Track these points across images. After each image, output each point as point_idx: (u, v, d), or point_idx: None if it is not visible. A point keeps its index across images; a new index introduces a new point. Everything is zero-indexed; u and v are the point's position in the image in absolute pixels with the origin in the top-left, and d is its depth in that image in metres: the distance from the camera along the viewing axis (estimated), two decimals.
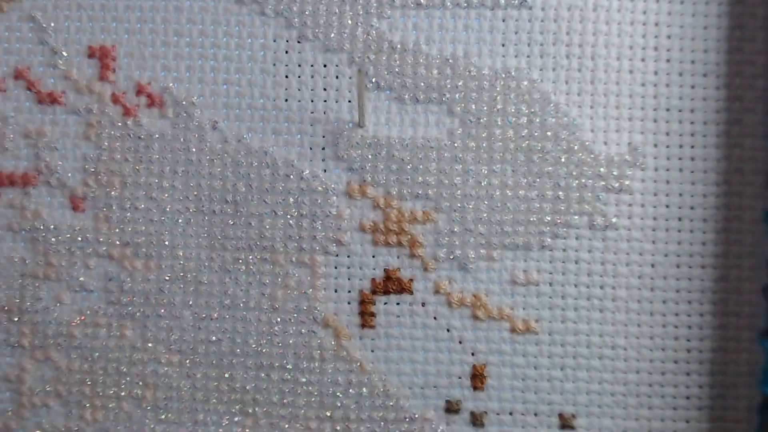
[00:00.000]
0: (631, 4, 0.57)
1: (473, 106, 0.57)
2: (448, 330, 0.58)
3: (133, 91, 0.59)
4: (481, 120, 0.57)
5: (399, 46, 0.58)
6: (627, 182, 0.57)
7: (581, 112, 0.57)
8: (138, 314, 0.59)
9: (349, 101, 0.58)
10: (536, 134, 0.57)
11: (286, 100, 0.58)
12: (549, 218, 0.57)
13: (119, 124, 0.58)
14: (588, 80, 0.57)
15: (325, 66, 0.58)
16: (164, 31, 0.58)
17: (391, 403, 0.59)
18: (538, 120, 0.57)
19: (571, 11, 0.57)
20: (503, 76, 0.57)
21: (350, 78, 0.58)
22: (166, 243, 0.59)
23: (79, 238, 0.59)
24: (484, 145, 0.57)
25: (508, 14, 0.58)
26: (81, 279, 0.59)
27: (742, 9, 0.57)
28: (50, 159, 0.58)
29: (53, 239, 0.59)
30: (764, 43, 0.57)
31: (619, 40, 0.57)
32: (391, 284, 0.58)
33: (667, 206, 0.57)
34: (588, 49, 0.57)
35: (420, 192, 0.58)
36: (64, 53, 0.59)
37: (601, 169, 0.57)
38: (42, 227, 0.59)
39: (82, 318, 0.59)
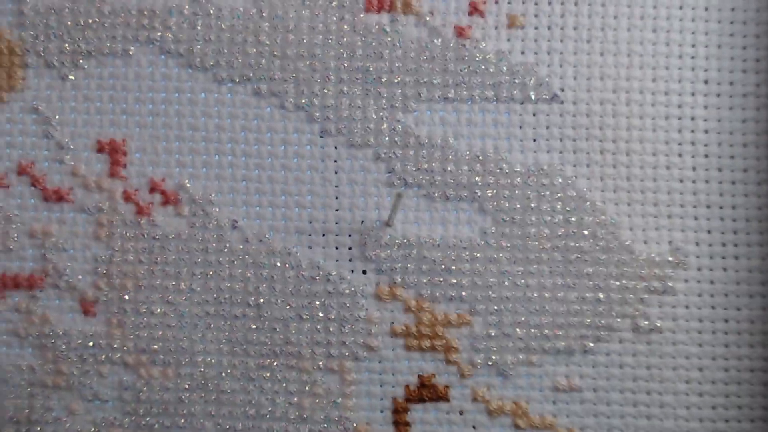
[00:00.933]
0: (665, 98, 0.55)
1: (506, 204, 0.55)
2: None
3: (146, 188, 0.55)
4: (515, 218, 0.55)
5: (426, 141, 0.55)
6: (670, 284, 0.55)
7: (618, 210, 0.55)
8: (156, 426, 0.54)
9: (376, 198, 0.55)
10: (573, 233, 0.55)
11: (309, 198, 0.55)
12: (590, 321, 0.54)
13: (132, 223, 0.55)
14: (624, 177, 0.55)
15: (349, 161, 0.55)
16: (178, 124, 0.55)
17: None
18: (574, 219, 0.55)
19: (603, 105, 0.55)
20: (536, 172, 0.55)
21: (376, 174, 0.55)
22: (185, 349, 0.54)
23: (91, 344, 0.54)
24: (519, 244, 0.55)
25: (539, 108, 0.56)
26: (94, 388, 0.55)
27: None
28: (58, 260, 0.55)
29: (63, 345, 0.54)
30: None
31: (654, 135, 0.55)
32: (426, 392, 0.54)
33: (713, 307, 0.55)
34: (622, 145, 0.55)
35: (453, 294, 0.55)
36: (71, 147, 0.55)
37: (643, 271, 0.55)
38: (51, 333, 0.55)
39: (97, 430, 0.54)
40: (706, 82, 0.56)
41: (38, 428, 0.54)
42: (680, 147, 0.55)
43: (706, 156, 0.55)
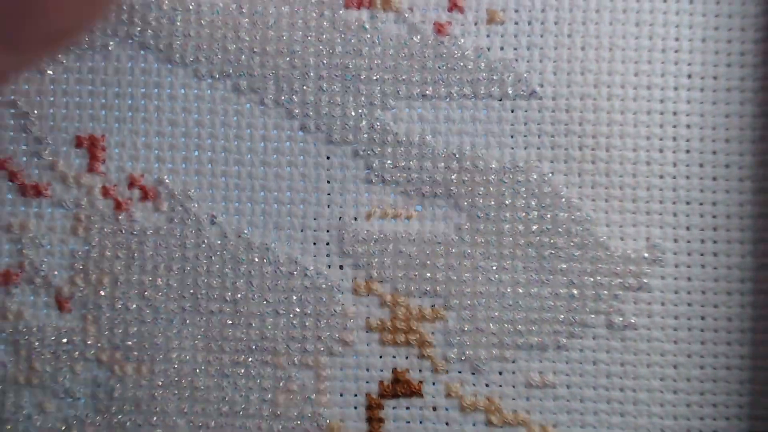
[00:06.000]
0: (647, 93, 0.55)
1: (481, 201, 0.55)
2: None
3: (125, 183, 0.55)
4: (490, 215, 0.55)
5: (404, 138, 0.55)
6: (646, 280, 0.54)
7: (595, 206, 0.55)
8: (128, 423, 0.55)
9: (354, 194, 0.55)
10: (548, 230, 0.55)
11: (288, 194, 0.55)
12: (563, 317, 0.55)
13: (110, 218, 0.55)
14: (602, 173, 0.55)
15: (328, 158, 0.55)
16: (157, 120, 0.55)
17: None
18: (549, 215, 0.55)
19: (583, 100, 0.55)
20: (512, 169, 0.55)
21: (355, 171, 0.55)
22: (160, 346, 0.55)
23: (65, 341, 0.55)
24: (493, 240, 0.55)
25: (517, 105, 0.55)
26: (67, 385, 0.55)
27: (764, 96, 0.55)
28: (34, 256, 0.55)
29: (36, 342, 0.55)
30: None
31: (635, 130, 0.55)
32: (400, 387, 0.55)
33: (689, 305, 0.55)
34: (602, 140, 0.55)
35: (428, 288, 0.55)
36: (50, 142, 0.55)
37: (618, 267, 0.54)
38: (24, 329, 0.55)
39: (68, 427, 0.55)
40: (689, 76, 0.55)
41: (8, 426, 0.55)
42: (661, 142, 0.55)
43: (688, 151, 0.55)
